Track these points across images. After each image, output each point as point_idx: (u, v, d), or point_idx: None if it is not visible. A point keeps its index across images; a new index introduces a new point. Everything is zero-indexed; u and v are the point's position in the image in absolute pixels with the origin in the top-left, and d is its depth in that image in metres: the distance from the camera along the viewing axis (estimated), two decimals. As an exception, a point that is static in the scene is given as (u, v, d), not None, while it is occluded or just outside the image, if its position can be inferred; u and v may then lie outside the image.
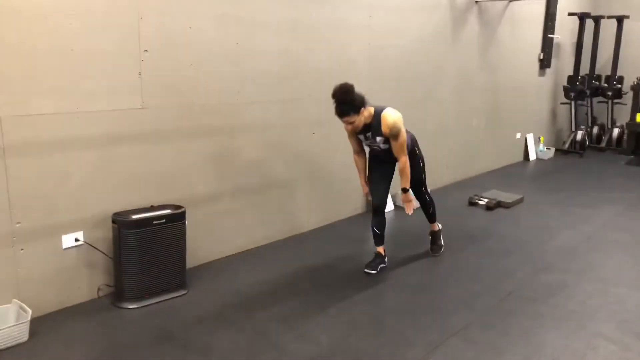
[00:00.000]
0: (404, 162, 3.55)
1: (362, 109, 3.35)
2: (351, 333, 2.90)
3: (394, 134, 3.42)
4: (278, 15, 3.96)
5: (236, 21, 3.69)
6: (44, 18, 2.78)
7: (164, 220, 3.17)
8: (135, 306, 3.09)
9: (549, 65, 8.02)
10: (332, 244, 4.27)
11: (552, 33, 7.83)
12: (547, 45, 7.82)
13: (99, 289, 3.20)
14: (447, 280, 3.63)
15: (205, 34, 3.53)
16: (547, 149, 8.19)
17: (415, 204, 3.86)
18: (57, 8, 2.83)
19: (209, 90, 3.62)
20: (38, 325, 2.79)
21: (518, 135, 7.77)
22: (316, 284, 3.51)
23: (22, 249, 2.85)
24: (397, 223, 4.90)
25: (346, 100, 3.31)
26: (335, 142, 4.68)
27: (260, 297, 3.31)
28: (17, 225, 2.82)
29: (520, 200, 5.60)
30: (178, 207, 3.29)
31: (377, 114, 3.43)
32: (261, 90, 3.96)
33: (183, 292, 3.28)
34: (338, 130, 4.71)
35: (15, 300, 2.80)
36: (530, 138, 8.01)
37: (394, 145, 3.48)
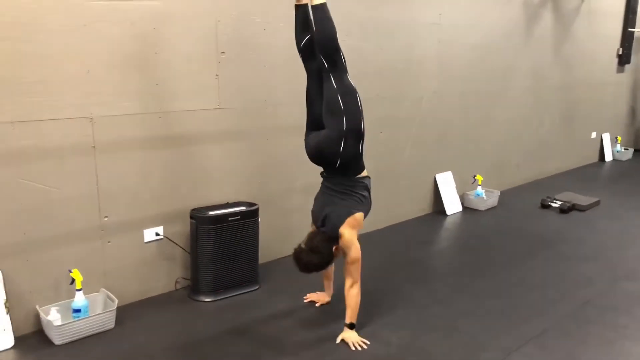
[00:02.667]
0: (349, 285, 2.84)
1: (333, 249, 2.80)
2: (421, 335, 2.88)
3: (345, 248, 2.81)
4: (348, 14, 3.98)
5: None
6: (130, 24, 2.93)
7: (239, 217, 3.26)
8: (210, 299, 3.21)
9: (628, 61, 7.59)
10: (397, 244, 4.25)
11: (633, 27, 7.40)
12: (627, 39, 7.40)
13: (176, 282, 3.35)
14: (520, 286, 3.52)
15: (278, 36, 3.60)
16: (624, 149, 7.78)
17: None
18: (142, 15, 2.98)
19: (281, 91, 3.70)
20: (122, 313, 2.95)
21: (593, 135, 7.42)
22: (383, 285, 3.51)
23: (109, 242, 3.03)
24: (466, 226, 4.81)
25: (317, 266, 2.79)
26: (402, 142, 4.65)
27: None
28: (105, 219, 3.00)
29: (597, 204, 5.36)
30: (252, 204, 3.39)
31: (335, 227, 2.79)
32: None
33: (255, 287, 3.38)
34: (405, 130, 4.70)
35: (102, 289, 2.99)
36: (606, 138, 7.63)
37: (345, 262, 2.84)
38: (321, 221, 2.86)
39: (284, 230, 3.86)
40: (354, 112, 2.73)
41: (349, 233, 2.76)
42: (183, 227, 3.29)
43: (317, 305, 3.20)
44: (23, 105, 2.64)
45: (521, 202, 5.41)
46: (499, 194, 5.40)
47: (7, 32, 2.55)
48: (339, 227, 2.76)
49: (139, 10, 2.97)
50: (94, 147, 2.90)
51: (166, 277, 3.30)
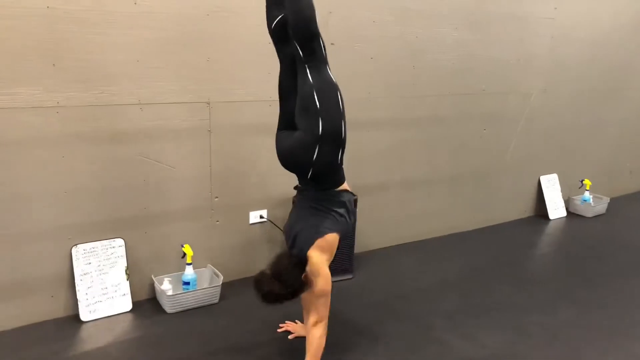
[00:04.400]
0: (312, 323, 2.35)
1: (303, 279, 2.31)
2: (519, 340, 2.79)
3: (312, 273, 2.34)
4: (458, 7, 3.88)
5: (417, 14, 3.70)
6: (244, 17, 3.06)
7: (338, 206, 3.32)
8: (308, 284, 3.31)
9: None
10: (496, 246, 4.12)
11: None
12: None
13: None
14: (630, 301, 3.29)
15: (387, 28, 3.59)
16: None
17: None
18: (259, 6, 3.09)
19: (385, 84, 3.70)
20: (226, 289, 3.11)
21: None
22: (480, 285, 3.43)
23: (217, 221, 3.21)
24: (571, 232, 4.56)
25: (279, 297, 2.25)
26: (506, 140, 4.48)
27: (424, 290, 3.32)
28: (216, 199, 3.18)
29: None
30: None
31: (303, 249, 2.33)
32: (435, 84, 3.93)
33: (349, 276, 3.43)
34: (510, 128, 4.53)
35: (209, 265, 3.18)
36: None
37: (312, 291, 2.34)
38: (291, 241, 2.40)
39: (380, 222, 3.88)
40: (333, 113, 2.24)
41: (317, 257, 2.28)
42: (285, 212, 3.40)
43: (290, 337, 2.74)
44: (150, 89, 2.86)
45: (633, 212, 5.03)
46: (608, 201, 5.06)
47: (135, 21, 2.77)
48: (307, 249, 2.30)
49: (255, 1, 3.09)
50: (209, 130, 3.07)
51: (267, 258, 3.41)
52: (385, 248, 3.95)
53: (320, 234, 2.31)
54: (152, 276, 3.01)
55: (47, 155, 2.66)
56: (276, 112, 3.27)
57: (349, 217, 2.45)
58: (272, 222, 3.38)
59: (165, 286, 2.92)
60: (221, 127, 3.12)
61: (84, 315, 2.78)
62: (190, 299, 2.94)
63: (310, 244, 2.30)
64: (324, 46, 2.29)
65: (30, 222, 2.67)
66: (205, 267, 3.17)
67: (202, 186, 3.13)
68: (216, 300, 3.02)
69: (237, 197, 3.25)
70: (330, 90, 2.26)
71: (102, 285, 2.84)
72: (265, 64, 3.17)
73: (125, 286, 2.91)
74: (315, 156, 2.25)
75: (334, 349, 2.59)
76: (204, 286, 3.06)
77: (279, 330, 2.81)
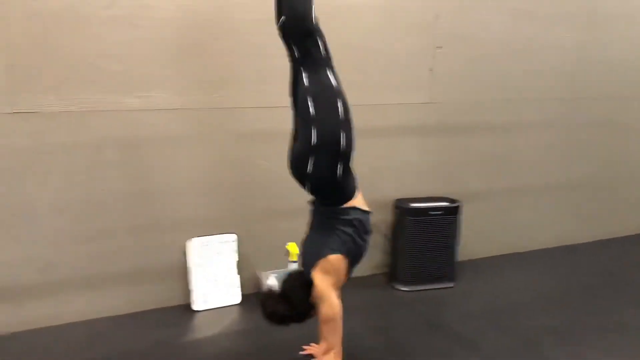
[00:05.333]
0: (321, 352, 2.27)
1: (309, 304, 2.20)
2: (638, 365, 2.59)
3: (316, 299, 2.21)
4: (573, 8, 3.67)
5: (529, 16, 3.56)
6: (348, 21, 3.11)
7: (441, 212, 3.27)
8: (406, 289, 3.29)
9: None
10: (613, 262, 3.84)
11: None
12: None
13: (376, 267, 3.50)
14: None
15: (497, 30, 3.49)
16: None
17: None
18: (362, 11, 3.14)
19: (493, 87, 3.59)
20: (326, 289, 3.18)
21: None
22: (591, 302, 3.21)
23: (319, 221, 3.29)
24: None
25: (283, 318, 2.20)
26: (626, 148, 4.16)
27: (529, 303, 3.18)
28: (318, 200, 3.26)
29: None
30: (454, 200, 3.37)
31: (307, 270, 2.23)
32: (545, 87, 3.75)
33: (451, 284, 3.36)
34: (631, 136, 4.19)
35: (311, 264, 3.26)
36: None
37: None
38: (301, 260, 2.30)
39: (484, 230, 3.76)
40: (329, 121, 2.02)
41: (320, 280, 2.12)
42: (385, 216, 3.42)
43: None
44: (263, 94, 3.00)
45: None
46: None
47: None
48: (310, 271, 2.16)
49: (359, 5, 3.13)
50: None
51: (367, 261, 3.39)
52: (488, 257, 3.82)
53: (323, 255, 2.13)
54: (258, 271, 3.15)
55: (171, 154, 2.88)
56: (377, 116, 3.34)
57: (359, 238, 2.18)
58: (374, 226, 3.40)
59: (271, 282, 3.04)
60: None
61: (197, 305, 2.98)
62: (293, 296, 3.04)
63: (313, 265, 2.15)
64: (324, 47, 2.08)
65: (153, 215, 2.90)
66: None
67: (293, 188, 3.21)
68: (317, 299, 3.10)
69: (339, 199, 3.31)
70: (327, 96, 2.04)
71: (215, 278, 3.02)
72: (363, 69, 3.21)
73: (236, 279, 3.07)
74: (309, 169, 2.06)
75: (433, 356, 2.57)
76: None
77: (302, 352, 2.52)
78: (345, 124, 2.07)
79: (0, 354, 2.54)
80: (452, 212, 3.31)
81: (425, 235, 3.27)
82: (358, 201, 2.22)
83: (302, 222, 3.22)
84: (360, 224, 2.20)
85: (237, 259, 3.07)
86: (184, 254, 2.98)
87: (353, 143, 2.11)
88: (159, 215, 2.91)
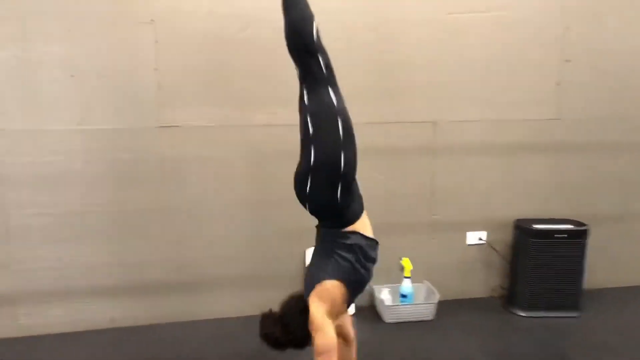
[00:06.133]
0: None
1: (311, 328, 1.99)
2: None
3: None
4: None
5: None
6: (480, 35, 3.07)
7: (566, 235, 3.08)
8: (525, 314, 3.13)
9: None
10: None
11: None
12: None
13: (492, 289, 3.38)
14: None
15: (632, 41, 3.25)
16: None
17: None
18: (493, 25, 3.08)
19: (627, 102, 3.34)
20: (440, 307, 3.12)
21: None
22: None
23: (434, 238, 3.25)
24: None
25: (277, 343, 2.05)
26: None
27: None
28: (434, 217, 3.23)
29: None
30: (581, 224, 3.16)
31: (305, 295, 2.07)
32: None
33: (574, 314, 3.13)
34: None
35: (426, 281, 3.23)
36: None
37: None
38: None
39: (615, 257, 3.49)
40: (328, 141, 1.95)
41: (315, 307, 1.96)
42: (504, 236, 3.29)
43: None
44: (378, 109, 3.05)
45: None
46: None
47: (379, 45, 2.99)
48: (307, 296, 2.01)
49: (490, 20, 3.08)
50: (433, 149, 3.15)
51: (483, 282, 3.37)
52: (619, 287, 3.51)
53: (318, 280, 2.00)
54: (372, 285, 3.18)
55: (293, 167, 3.01)
56: (502, 132, 3.24)
57: (359, 265, 2.02)
58: (491, 246, 3.29)
59: (385, 296, 3.05)
60: (445, 146, 3.16)
61: (312, 313, 3.07)
62: (407, 312, 3.02)
63: (309, 290, 2.01)
64: (326, 65, 2.01)
65: (275, 223, 3.04)
66: (421, 282, 3.22)
67: (422, 203, 3.21)
68: (431, 317, 3.05)
69: (455, 216, 3.25)
70: (326, 115, 1.96)
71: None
72: (492, 82, 3.15)
73: (349, 291, 3.12)
74: (308, 189, 2.00)
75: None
76: (420, 301, 3.12)
77: None
78: (346, 144, 1.98)
79: (141, 343, 2.82)
80: (579, 235, 3.11)
81: (548, 259, 3.09)
82: (361, 226, 2.08)
83: (418, 237, 3.24)
84: (361, 251, 2.03)
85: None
86: (303, 261, 3.09)
87: (354, 164, 2.03)
88: (281, 224, 3.05)
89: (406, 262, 3.08)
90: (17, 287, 2.83)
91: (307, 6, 1.99)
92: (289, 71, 2.86)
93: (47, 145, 2.74)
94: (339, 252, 2.01)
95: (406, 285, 3.07)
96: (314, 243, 3.02)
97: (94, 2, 2.69)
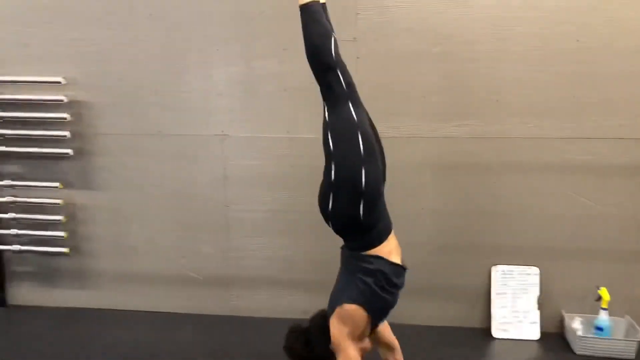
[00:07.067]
0: None
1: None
2: None
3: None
4: None
5: None
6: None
7: None
8: None
9: None
10: None
11: None
12: None
13: None
14: None
15: None
16: None
17: None
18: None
19: None
20: (643, 347, 2.80)
21: None
22: None
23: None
24: None
25: (297, 356, 2.09)
26: None
27: None
28: None
29: None
30: None
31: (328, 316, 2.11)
32: None
33: None
34: None
35: (627, 316, 2.91)
36: None
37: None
38: None
39: None
40: (348, 157, 1.95)
41: (335, 329, 2.00)
42: None
43: None
44: (580, 123, 2.85)
45: None
46: None
47: (572, 56, 2.81)
48: (329, 316, 2.05)
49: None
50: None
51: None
52: None
53: (339, 303, 2.03)
54: (563, 312, 2.97)
55: (488, 179, 3.00)
56: None
57: (380, 289, 1.99)
58: None
59: (576, 325, 2.83)
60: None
61: (496, 332, 3.00)
62: (602, 346, 2.76)
63: (331, 311, 2.06)
64: (347, 81, 2.02)
65: (462, 236, 3.05)
66: (622, 317, 2.91)
67: (628, 228, 2.90)
68: (632, 356, 2.74)
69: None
70: (347, 131, 1.97)
71: (514, 309, 2.99)
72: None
73: (535, 315, 2.98)
74: (330, 206, 2.00)
75: None
76: (619, 337, 2.83)
77: None
78: (368, 161, 1.97)
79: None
80: None
81: None
82: (387, 250, 2.04)
83: (619, 266, 2.94)
84: (384, 277, 2.00)
85: (538, 294, 2.98)
86: (488, 278, 3.04)
87: (378, 182, 2.01)
88: (468, 238, 3.04)
89: (604, 293, 2.81)
90: (231, 272, 3.29)
91: (325, 24, 2.06)
92: (482, 84, 2.88)
93: (261, 150, 3.14)
94: (360, 276, 2.01)
95: (603, 318, 2.81)
96: (501, 260, 3.01)
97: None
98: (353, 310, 2.00)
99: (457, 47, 2.88)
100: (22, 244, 3.35)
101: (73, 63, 3.14)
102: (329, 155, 2.02)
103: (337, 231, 2.09)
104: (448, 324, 3.11)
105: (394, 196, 3.06)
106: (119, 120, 3.19)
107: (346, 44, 2.95)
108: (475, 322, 3.10)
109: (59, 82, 3.11)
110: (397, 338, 3.00)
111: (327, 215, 2.06)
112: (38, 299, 3.46)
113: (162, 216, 3.28)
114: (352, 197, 1.97)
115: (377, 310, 2.06)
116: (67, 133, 3.17)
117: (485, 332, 3.04)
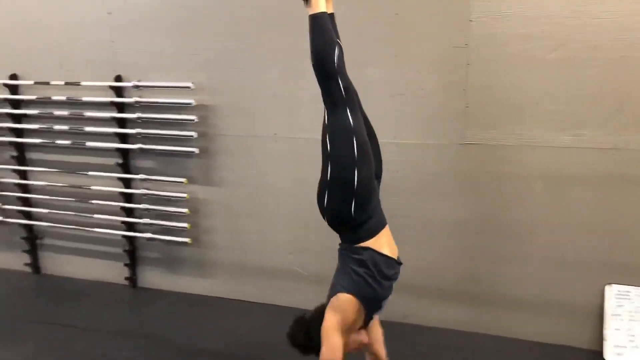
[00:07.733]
0: None
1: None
2: None
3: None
4: None
5: None
6: None
7: None
8: None
9: None
10: None
11: None
12: None
13: None
14: None
15: None
16: None
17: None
18: None
19: None
20: None
21: None
22: None
23: None
24: None
25: (298, 345, 2.21)
26: None
27: None
28: None
29: None
30: None
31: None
32: None
33: None
34: None
35: None
36: None
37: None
38: None
39: None
40: (344, 158, 2.12)
41: (328, 319, 2.10)
42: None
43: None
44: None
45: None
46: None
47: None
48: (326, 307, 2.15)
49: None
50: None
51: None
52: None
53: (334, 293, 2.13)
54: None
55: (589, 194, 2.85)
56: None
57: (372, 280, 2.11)
58: None
59: None
60: None
61: (608, 356, 2.81)
62: None
63: (328, 301, 2.15)
64: (345, 87, 2.14)
65: (574, 250, 2.90)
66: None
67: None
68: None
69: None
70: (343, 135, 2.13)
71: (630, 332, 2.78)
72: None
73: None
74: (325, 202, 2.16)
75: None
76: None
77: None
78: (362, 163, 2.11)
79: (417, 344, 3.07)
80: None
81: None
82: (378, 244, 2.16)
83: None
84: (375, 266, 2.13)
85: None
86: (601, 297, 2.85)
87: (371, 183, 2.15)
88: (583, 253, 2.89)
89: None
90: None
91: (331, 35, 2.15)
92: (602, 91, 2.71)
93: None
94: (352, 266, 2.14)
95: None
96: (617, 280, 2.80)
97: (419, 29, 3.02)
98: (346, 299, 2.12)
99: (575, 53, 2.75)
100: (151, 233, 3.75)
101: (201, 70, 3.46)
102: (326, 156, 2.18)
103: (331, 225, 2.25)
104: (556, 341, 2.97)
105: (498, 203, 2.99)
106: (238, 122, 3.46)
107: (456, 51, 2.96)
108: (587, 343, 2.92)
109: (189, 87, 3.45)
110: (502, 352, 2.94)
111: (323, 210, 2.23)
112: (163, 283, 3.85)
113: (275, 213, 3.49)
114: (345, 195, 2.14)
115: (370, 300, 2.16)
116: (194, 133, 3.50)
117: (597, 354, 2.85)
